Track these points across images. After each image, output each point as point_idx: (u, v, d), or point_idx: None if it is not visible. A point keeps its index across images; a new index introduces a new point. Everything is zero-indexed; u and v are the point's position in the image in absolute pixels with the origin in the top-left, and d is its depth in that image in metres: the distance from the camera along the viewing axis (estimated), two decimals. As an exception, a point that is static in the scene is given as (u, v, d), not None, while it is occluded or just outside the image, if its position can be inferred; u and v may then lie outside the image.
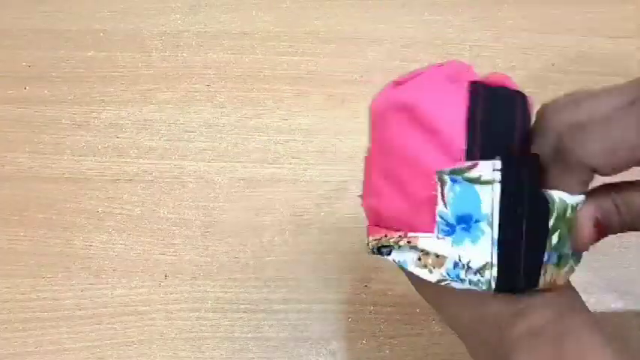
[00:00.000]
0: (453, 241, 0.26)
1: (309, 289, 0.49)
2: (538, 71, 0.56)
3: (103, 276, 0.50)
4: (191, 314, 0.48)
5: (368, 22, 0.61)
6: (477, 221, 0.25)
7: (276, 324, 0.48)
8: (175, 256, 0.50)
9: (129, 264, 0.50)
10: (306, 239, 0.50)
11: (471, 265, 0.25)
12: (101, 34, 0.61)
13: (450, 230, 0.26)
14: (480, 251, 0.25)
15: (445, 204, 0.26)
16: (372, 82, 0.57)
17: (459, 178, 0.26)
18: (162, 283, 0.49)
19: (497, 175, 0.25)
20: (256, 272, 0.49)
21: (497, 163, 0.25)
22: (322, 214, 0.51)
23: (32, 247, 0.51)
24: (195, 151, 0.55)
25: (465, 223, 0.26)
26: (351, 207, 0.51)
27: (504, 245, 0.25)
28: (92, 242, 0.51)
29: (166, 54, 0.59)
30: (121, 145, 0.55)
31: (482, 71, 0.61)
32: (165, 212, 0.52)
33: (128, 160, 0.54)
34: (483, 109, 0.26)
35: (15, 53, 0.60)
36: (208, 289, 0.49)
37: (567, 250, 0.27)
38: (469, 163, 0.26)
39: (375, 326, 0.47)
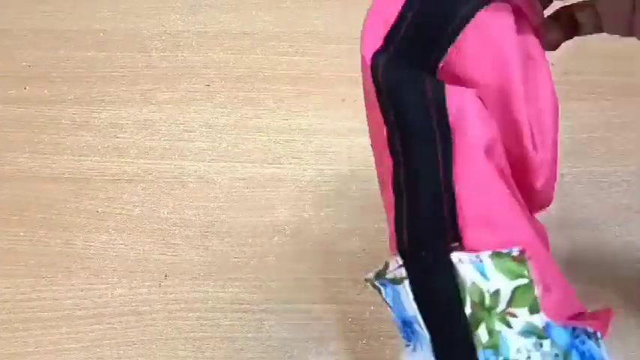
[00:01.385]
0: (412, 349, 0.25)
1: (309, 289, 0.49)
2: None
3: (103, 276, 0.50)
4: (191, 314, 0.48)
5: (368, 22, 0.61)
6: (412, 323, 0.24)
7: (276, 324, 0.48)
8: (175, 256, 0.50)
9: (129, 264, 0.50)
10: (306, 239, 0.50)
11: None
12: (101, 34, 0.61)
13: (406, 335, 0.25)
14: (427, 355, 0.24)
15: (392, 310, 0.25)
16: (372, 82, 0.57)
17: (385, 281, 0.25)
18: (162, 283, 0.49)
19: (403, 272, 0.24)
20: (256, 272, 0.49)
21: (399, 259, 0.24)
22: (322, 214, 0.51)
23: (32, 247, 0.51)
24: (195, 151, 0.55)
25: (409, 326, 0.24)
26: (351, 207, 0.51)
27: (438, 346, 0.23)
28: (92, 242, 0.51)
29: (166, 54, 0.59)
30: (121, 145, 0.55)
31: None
32: (165, 212, 0.52)
33: (128, 160, 0.54)
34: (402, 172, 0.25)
35: (15, 53, 0.60)
36: (208, 289, 0.49)
37: (516, 355, 0.22)
38: (382, 266, 0.25)
39: (375, 326, 0.47)
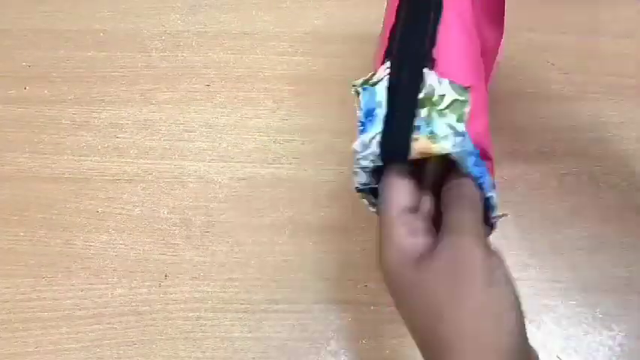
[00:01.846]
0: (361, 132, 0.32)
1: (309, 289, 0.49)
2: (538, 71, 0.56)
3: (103, 276, 0.50)
4: (191, 314, 0.48)
5: (368, 22, 0.61)
6: (374, 109, 0.32)
7: (276, 324, 0.48)
8: (175, 256, 0.50)
9: (129, 264, 0.50)
10: (306, 239, 0.50)
11: (366, 140, 0.32)
12: (101, 34, 0.61)
13: (362, 127, 0.32)
14: (374, 129, 0.32)
15: (360, 109, 0.33)
16: (372, 82, 0.57)
17: (367, 86, 0.33)
18: (162, 283, 0.49)
19: (385, 72, 0.32)
20: (256, 272, 0.49)
21: (388, 64, 0.32)
22: (322, 214, 0.51)
23: (32, 247, 0.51)
24: (195, 151, 0.55)
25: (370, 116, 0.32)
26: (351, 207, 0.51)
27: (387, 116, 0.32)
28: (92, 242, 0.51)
29: (166, 54, 0.59)
30: (121, 145, 0.55)
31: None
32: (165, 212, 0.52)
33: (128, 160, 0.54)
34: (404, 17, 0.34)
35: (15, 53, 0.60)
36: (208, 289, 0.49)
37: (439, 131, 0.31)
38: (371, 73, 0.33)
39: (375, 326, 0.47)
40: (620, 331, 0.46)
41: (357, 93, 0.33)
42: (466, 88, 0.32)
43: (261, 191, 0.53)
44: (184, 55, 0.59)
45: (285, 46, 0.60)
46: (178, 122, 0.56)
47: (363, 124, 0.32)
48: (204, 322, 0.48)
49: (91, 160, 0.54)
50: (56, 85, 0.58)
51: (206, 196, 0.53)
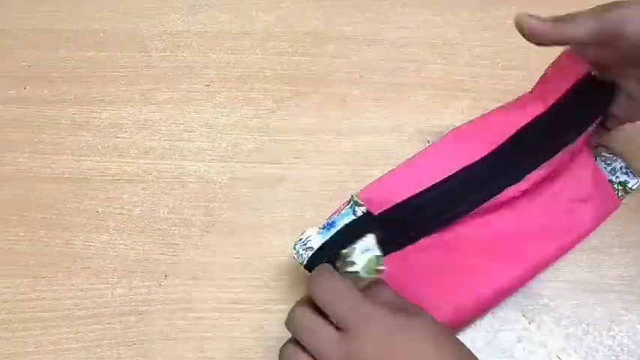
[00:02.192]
0: (323, 227, 0.41)
1: (309, 289, 0.49)
2: (538, 71, 0.56)
3: (103, 276, 0.50)
4: (191, 314, 0.48)
5: (368, 22, 0.61)
6: (334, 225, 0.41)
7: (276, 324, 0.48)
8: (175, 256, 0.50)
9: (129, 264, 0.50)
10: (306, 239, 0.50)
11: (308, 243, 0.40)
12: (101, 34, 0.61)
13: (325, 224, 0.41)
14: (318, 240, 0.40)
15: (337, 214, 0.41)
16: (372, 82, 0.57)
17: (355, 206, 0.41)
18: (162, 283, 0.49)
19: (358, 216, 0.41)
20: (256, 272, 0.49)
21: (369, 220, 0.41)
22: (322, 214, 0.51)
23: (32, 247, 0.51)
24: (195, 151, 0.55)
25: (332, 225, 0.41)
26: (351, 207, 0.51)
27: (324, 245, 0.40)
28: (92, 242, 0.51)
29: (166, 54, 0.59)
30: (121, 145, 0.55)
31: (482, 71, 0.61)
32: (166, 212, 0.52)
33: (128, 160, 0.54)
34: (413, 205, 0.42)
35: (15, 53, 0.60)
36: (208, 289, 0.49)
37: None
38: (364, 204, 0.41)
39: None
40: (620, 331, 0.46)
41: (349, 203, 0.41)
42: (380, 271, 0.39)
43: (261, 191, 0.53)
44: (184, 55, 0.59)
45: (285, 46, 0.60)
46: (178, 122, 0.56)
47: (327, 224, 0.41)
48: (204, 322, 0.48)
49: (91, 160, 0.54)
50: (56, 85, 0.58)
51: (206, 196, 0.53)
